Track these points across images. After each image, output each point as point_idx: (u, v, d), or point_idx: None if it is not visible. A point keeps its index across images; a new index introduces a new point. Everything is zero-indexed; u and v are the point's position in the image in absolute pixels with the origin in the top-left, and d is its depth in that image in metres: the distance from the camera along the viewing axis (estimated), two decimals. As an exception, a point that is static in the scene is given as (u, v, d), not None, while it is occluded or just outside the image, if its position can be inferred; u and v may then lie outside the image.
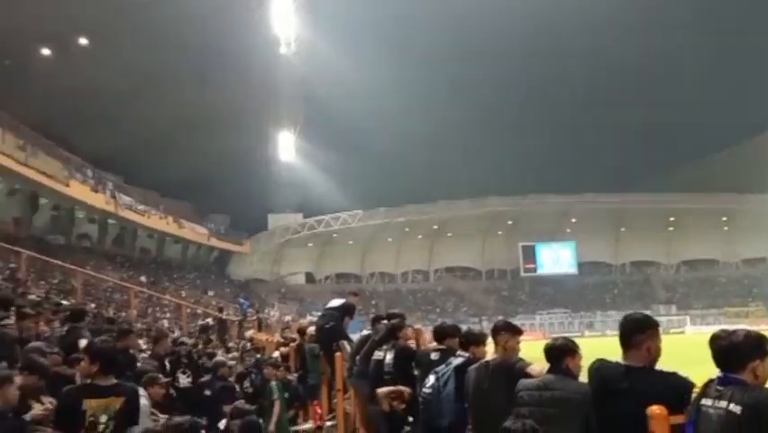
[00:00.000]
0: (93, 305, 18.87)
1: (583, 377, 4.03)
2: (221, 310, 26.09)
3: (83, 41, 36.85)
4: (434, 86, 60.62)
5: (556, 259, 70.04)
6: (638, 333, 3.55)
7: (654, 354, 3.54)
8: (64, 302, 15.80)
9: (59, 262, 24.91)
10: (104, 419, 4.36)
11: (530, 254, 70.68)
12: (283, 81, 47.80)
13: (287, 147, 59.96)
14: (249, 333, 21.44)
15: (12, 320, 7.78)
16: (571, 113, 64.34)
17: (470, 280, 70.72)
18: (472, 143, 62.26)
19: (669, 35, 57.72)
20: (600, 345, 5.26)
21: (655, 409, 3.17)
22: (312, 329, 10.99)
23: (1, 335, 6.89)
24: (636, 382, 3.42)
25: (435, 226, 67.09)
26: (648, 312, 4.25)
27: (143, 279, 39.67)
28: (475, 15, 57.09)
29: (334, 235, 64.79)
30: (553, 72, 61.19)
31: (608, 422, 3.55)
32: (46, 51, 36.42)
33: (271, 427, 8.30)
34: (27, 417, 5.18)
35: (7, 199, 34.59)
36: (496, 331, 4.87)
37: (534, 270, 70.33)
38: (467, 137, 62.10)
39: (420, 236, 67.86)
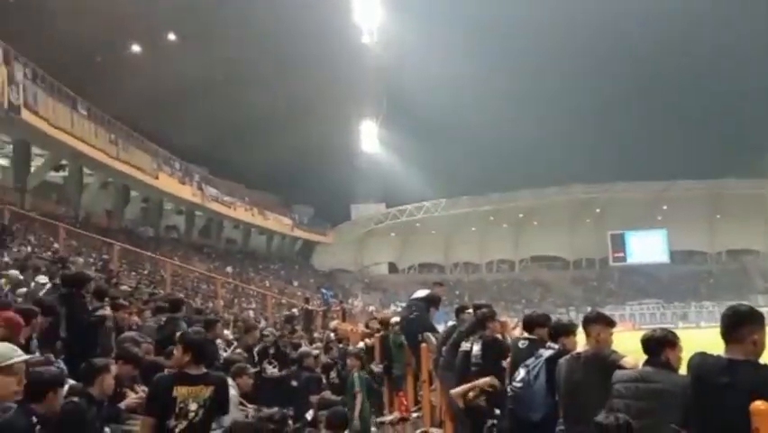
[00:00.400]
0: (181, 295, 19.53)
1: (682, 370, 3.89)
2: (307, 301, 26.58)
3: (171, 36, 38.15)
4: (517, 72, 59.69)
5: (647, 247, 68.27)
6: (742, 325, 3.40)
7: (760, 347, 3.39)
8: (157, 292, 16.49)
9: (150, 254, 26.07)
10: (193, 406, 4.48)
11: (619, 243, 69.29)
12: (366, 71, 48.17)
13: (369, 137, 60.46)
14: (333, 323, 21.66)
15: (107, 311, 8.12)
16: (662, 96, 62.08)
17: (556, 270, 69.80)
18: (558, 130, 61.02)
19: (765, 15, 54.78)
20: (696, 336, 5.04)
21: (760, 405, 3.03)
22: (396, 320, 11.06)
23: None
24: (739, 377, 3.27)
25: (521, 215, 66.52)
26: (746, 303, 4.04)
27: (229, 269, 40.85)
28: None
29: (417, 225, 64.98)
30: (641, 55, 59.22)
31: (709, 417, 3.41)
32: (136, 48, 37.90)
33: (355, 419, 8.39)
34: (122, 405, 5.42)
35: (100, 192, 36.26)
36: (588, 322, 4.75)
37: (624, 259, 68.92)
38: (552, 124, 60.92)
39: (505, 225, 67.37)
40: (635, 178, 61.17)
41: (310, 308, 24.18)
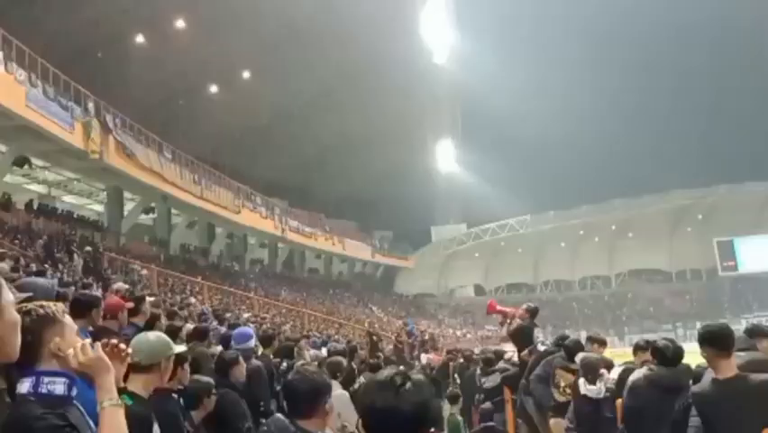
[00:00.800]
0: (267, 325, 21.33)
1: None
2: (399, 336, 27.68)
3: (246, 74, 40.80)
4: (601, 78, 59.62)
5: (761, 254, 65.06)
6: None
7: None
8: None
9: (234, 290, 28.23)
10: None
11: (728, 251, 65.82)
12: (439, 92, 49.49)
13: (446, 157, 61.44)
14: (425, 357, 22.04)
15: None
16: (751, 98, 60.42)
17: (658, 284, 67.75)
18: (645, 137, 60.42)
19: None
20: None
21: None
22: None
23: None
24: None
25: (613, 227, 64.97)
26: None
27: (314, 298, 42.87)
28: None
29: (502, 244, 64.78)
30: (739, 53, 57.95)
31: None
32: (213, 89, 40.77)
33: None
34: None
35: (187, 231, 39.10)
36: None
37: (735, 267, 65.14)
38: (639, 131, 60.40)
39: (597, 239, 66.06)
40: (740, 179, 59.25)
41: (401, 341, 25.09)
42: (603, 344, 7.45)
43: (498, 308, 9.40)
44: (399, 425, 1.75)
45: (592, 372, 6.16)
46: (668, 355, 5.01)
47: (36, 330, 2.14)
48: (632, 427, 5.16)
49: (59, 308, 2.27)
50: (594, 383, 6.11)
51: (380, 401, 1.78)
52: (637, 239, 65.02)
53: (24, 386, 2.13)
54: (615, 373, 6.05)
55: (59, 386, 2.15)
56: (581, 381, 6.19)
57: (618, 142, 61.82)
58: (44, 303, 2.25)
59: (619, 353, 14.49)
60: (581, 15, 56.36)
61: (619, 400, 5.62)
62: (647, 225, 63.26)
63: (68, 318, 2.26)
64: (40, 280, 6.39)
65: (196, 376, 4.69)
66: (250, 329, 7.64)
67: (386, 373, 1.88)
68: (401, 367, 16.96)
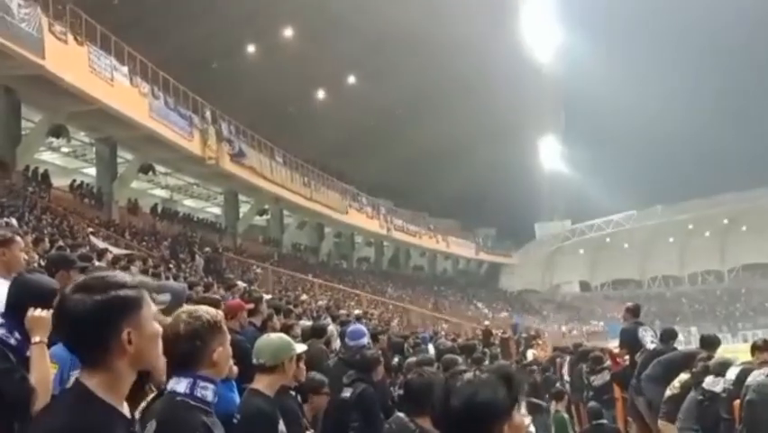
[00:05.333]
0: (374, 322, 21.53)
1: None
2: (505, 333, 27.42)
3: (351, 79, 41.43)
4: (709, 70, 57.15)
5: None
6: None
7: None
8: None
9: (343, 287, 28.68)
10: None
11: None
12: (541, 88, 48.87)
13: (549, 153, 60.54)
14: (530, 352, 21.43)
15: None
16: None
17: (775, 278, 64.60)
18: (754, 128, 57.33)
19: None
20: None
21: None
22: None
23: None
24: None
25: (725, 221, 62.76)
26: None
27: (419, 295, 43.04)
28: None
29: (607, 240, 63.84)
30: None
31: None
32: (321, 94, 41.62)
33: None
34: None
35: (297, 232, 40.09)
36: None
37: None
38: (747, 122, 57.35)
39: (708, 233, 63.85)
40: None
41: (504, 336, 24.76)
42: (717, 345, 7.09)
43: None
44: (461, 422, 1.72)
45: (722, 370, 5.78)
46: None
47: (205, 336, 2.18)
48: (752, 428, 4.79)
49: (220, 315, 2.29)
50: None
51: (439, 404, 1.79)
52: (751, 233, 62.40)
53: (181, 386, 2.15)
54: (732, 374, 5.55)
55: (209, 393, 2.17)
56: (710, 377, 5.81)
57: (727, 135, 59.09)
58: (210, 310, 2.28)
59: (731, 349, 14.13)
60: (689, 9, 54.05)
61: (737, 402, 5.20)
62: (762, 219, 60.23)
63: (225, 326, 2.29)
64: (175, 283, 6.75)
65: (311, 373, 4.71)
66: (363, 327, 7.61)
67: (442, 375, 2.03)
68: (506, 362, 16.71)
